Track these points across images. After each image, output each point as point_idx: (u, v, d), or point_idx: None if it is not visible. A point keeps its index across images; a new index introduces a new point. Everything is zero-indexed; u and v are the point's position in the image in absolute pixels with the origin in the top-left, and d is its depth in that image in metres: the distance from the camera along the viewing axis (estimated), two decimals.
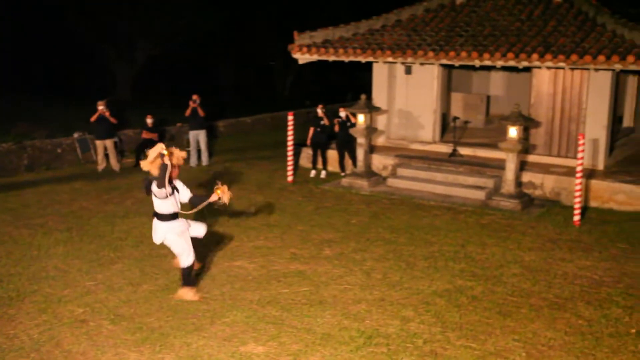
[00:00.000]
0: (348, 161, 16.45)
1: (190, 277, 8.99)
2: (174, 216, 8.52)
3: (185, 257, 8.77)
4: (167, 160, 8.03)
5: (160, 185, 8.10)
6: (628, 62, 12.95)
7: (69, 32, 30.69)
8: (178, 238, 8.63)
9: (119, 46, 31.08)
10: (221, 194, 8.58)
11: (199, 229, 9.01)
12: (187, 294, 8.88)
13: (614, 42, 13.58)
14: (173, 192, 8.42)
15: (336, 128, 16.22)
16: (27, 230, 11.89)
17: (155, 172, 8.22)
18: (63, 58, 32.81)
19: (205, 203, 8.69)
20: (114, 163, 16.93)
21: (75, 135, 18.13)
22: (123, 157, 18.15)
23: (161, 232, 8.58)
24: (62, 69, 33.01)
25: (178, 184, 8.62)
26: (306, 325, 8.18)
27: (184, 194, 8.66)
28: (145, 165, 8.32)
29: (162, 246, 10.93)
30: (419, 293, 9.18)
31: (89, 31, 29.99)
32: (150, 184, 8.34)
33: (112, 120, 16.67)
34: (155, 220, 8.60)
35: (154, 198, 8.41)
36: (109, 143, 16.79)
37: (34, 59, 31.35)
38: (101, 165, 16.93)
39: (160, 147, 8.16)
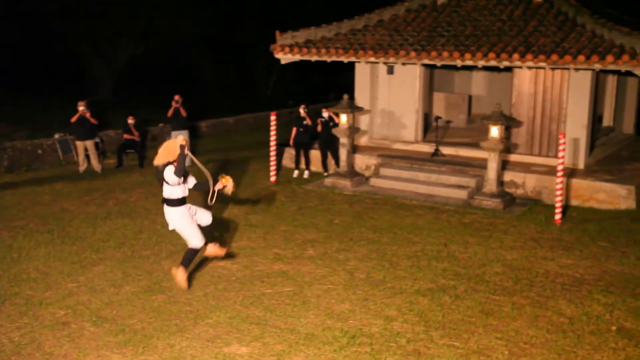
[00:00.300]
0: (331, 161, 16.46)
1: (191, 260, 9.21)
2: (182, 201, 8.98)
3: (196, 240, 9.09)
4: (186, 151, 8.68)
5: (178, 172, 8.64)
6: (607, 61, 13.07)
7: (50, 31, 30.46)
8: (187, 223, 9.03)
9: (100, 46, 30.89)
10: (225, 182, 9.15)
11: (206, 217, 9.35)
12: (181, 274, 9.06)
13: (593, 42, 13.71)
14: (185, 180, 8.97)
15: (319, 128, 16.22)
16: (7, 232, 11.77)
17: (172, 159, 8.73)
18: (43, 58, 32.55)
19: (212, 191, 9.08)
20: (95, 164, 16.80)
21: (56, 136, 17.98)
22: (105, 158, 18.04)
23: (174, 216, 8.99)
24: (42, 69, 32.75)
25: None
26: (290, 326, 8.18)
27: (190, 181, 9.17)
28: (163, 154, 8.80)
29: (144, 247, 10.96)
30: (402, 292, 9.21)
31: (69, 31, 29.78)
32: (161, 172, 8.84)
33: (93, 121, 16.55)
34: (165, 207, 9.04)
35: (165, 186, 8.89)
36: (89, 144, 16.65)
37: (14, 59, 31.05)
38: (82, 166, 16.80)
39: (180, 139, 8.70)
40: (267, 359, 7.40)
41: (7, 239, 11.40)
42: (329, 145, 16.21)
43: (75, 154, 17.47)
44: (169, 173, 8.71)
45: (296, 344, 7.71)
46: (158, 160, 8.84)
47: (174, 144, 8.72)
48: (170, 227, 9.15)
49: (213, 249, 9.48)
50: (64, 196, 14.36)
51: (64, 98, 24.15)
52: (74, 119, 16.42)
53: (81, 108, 16.41)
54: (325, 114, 16.15)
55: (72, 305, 8.75)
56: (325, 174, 16.31)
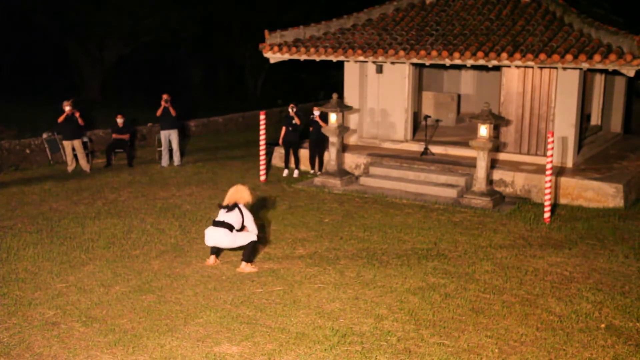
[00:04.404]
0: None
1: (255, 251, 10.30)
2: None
3: (253, 232, 10.10)
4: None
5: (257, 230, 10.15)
6: (595, 61, 13.14)
7: (37, 30, 30.29)
8: (240, 234, 9.98)
9: (87, 45, 30.75)
10: None
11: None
12: (249, 268, 10.00)
13: (581, 42, 13.78)
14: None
15: (310, 127, 16.22)
16: None
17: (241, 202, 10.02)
18: (31, 57, 32.37)
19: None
20: (84, 164, 16.70)
21: (45, 135, 17.87)
22: (94, 158, 17.95)
23: (229, 235, 9.90)
24: (30, 68, 32.56)
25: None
26: (280, 325, 8.17)
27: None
28: (233, 196, 10.02)
29: (134, 247, 10.94)
30: (392, 291, 9.23)
31: (56, 30, 29.62)
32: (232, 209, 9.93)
33: (81, 121, 16.45)
34: (220, 229, 9.84)
35: (229, 217, 9.88)
36: (77, 143, 16.54)
37: (0, 58, 30.84)
38: (71, 166, 16.71)
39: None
40: (257, 358, 7.39)
41: None
42: (319, 144, 16.22)
43: (63, 153, 17.38)
44: (251, 223, 9.98)
45: (287, 343, 7.71)
46: (229, 200, 9.93)
47: (247, 193, 10.00)
48: (228, 245, 10.00)
49: (214, 261, 10.33)
50: (53, 196, 14.29)
51: (52, 97, 24.00)
52: (60, 119, 16.32)
53: (67, 108, 16.31)
54: (316, 113, 16.15)
55: (62, 305, 8.71)
56: (315, 172, 16.32)
